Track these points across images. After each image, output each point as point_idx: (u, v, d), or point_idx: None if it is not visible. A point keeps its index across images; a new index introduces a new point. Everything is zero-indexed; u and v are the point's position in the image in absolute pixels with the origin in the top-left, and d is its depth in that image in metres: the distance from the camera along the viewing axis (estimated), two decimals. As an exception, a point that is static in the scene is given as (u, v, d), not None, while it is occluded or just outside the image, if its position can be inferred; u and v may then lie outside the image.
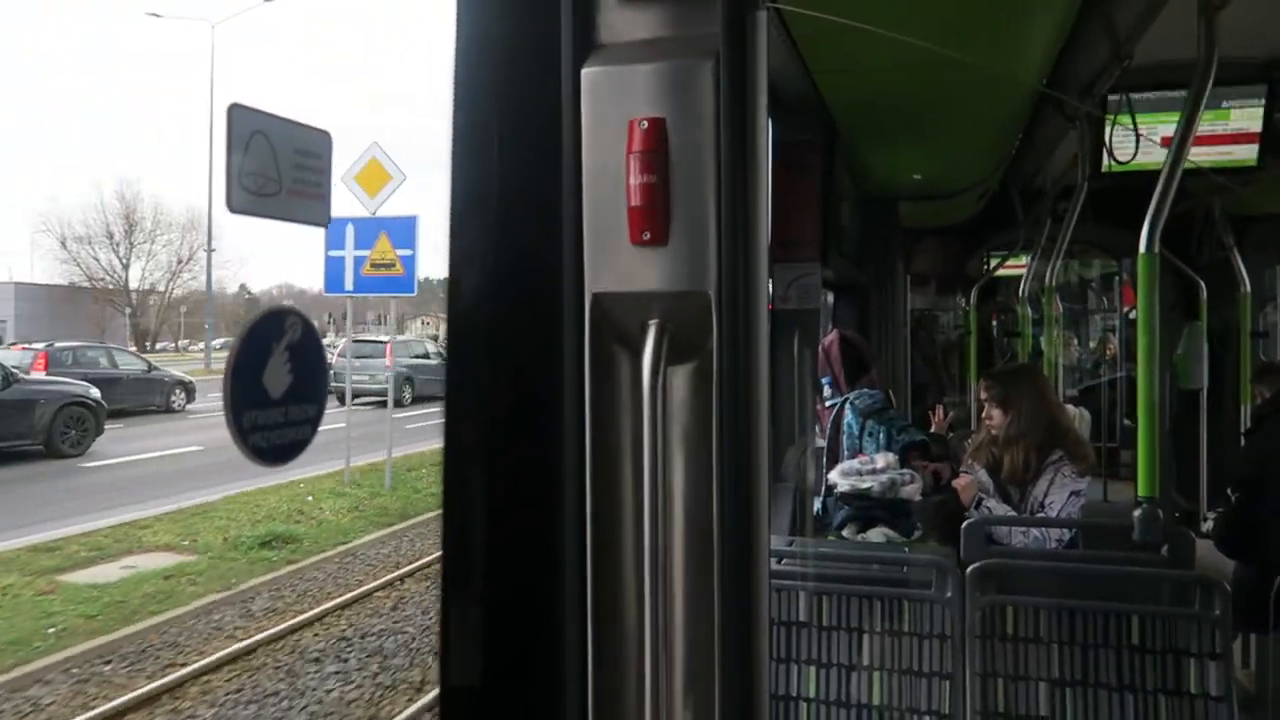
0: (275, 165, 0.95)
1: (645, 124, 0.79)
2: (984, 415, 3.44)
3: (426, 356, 25.25)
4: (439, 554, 0.83)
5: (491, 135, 0.85)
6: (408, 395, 23.13)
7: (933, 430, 4.17)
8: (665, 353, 0.80)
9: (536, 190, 0.84)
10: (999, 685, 2.36)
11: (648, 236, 0.80)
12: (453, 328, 0.87)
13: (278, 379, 0.92)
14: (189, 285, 46.66)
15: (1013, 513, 3.15)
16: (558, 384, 0.84)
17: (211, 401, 21.95)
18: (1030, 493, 3.19)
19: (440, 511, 0.86)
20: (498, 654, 0.86)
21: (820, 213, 3.36)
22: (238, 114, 0.93)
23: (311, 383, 0.95)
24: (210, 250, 40.93)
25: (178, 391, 21.56)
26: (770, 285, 3.38)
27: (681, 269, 0.79)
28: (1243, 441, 4.35)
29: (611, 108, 0.80)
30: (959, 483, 3.26)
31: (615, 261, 0.81)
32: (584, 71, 0.81)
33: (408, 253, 11.71)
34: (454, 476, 0.87)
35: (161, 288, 45.63)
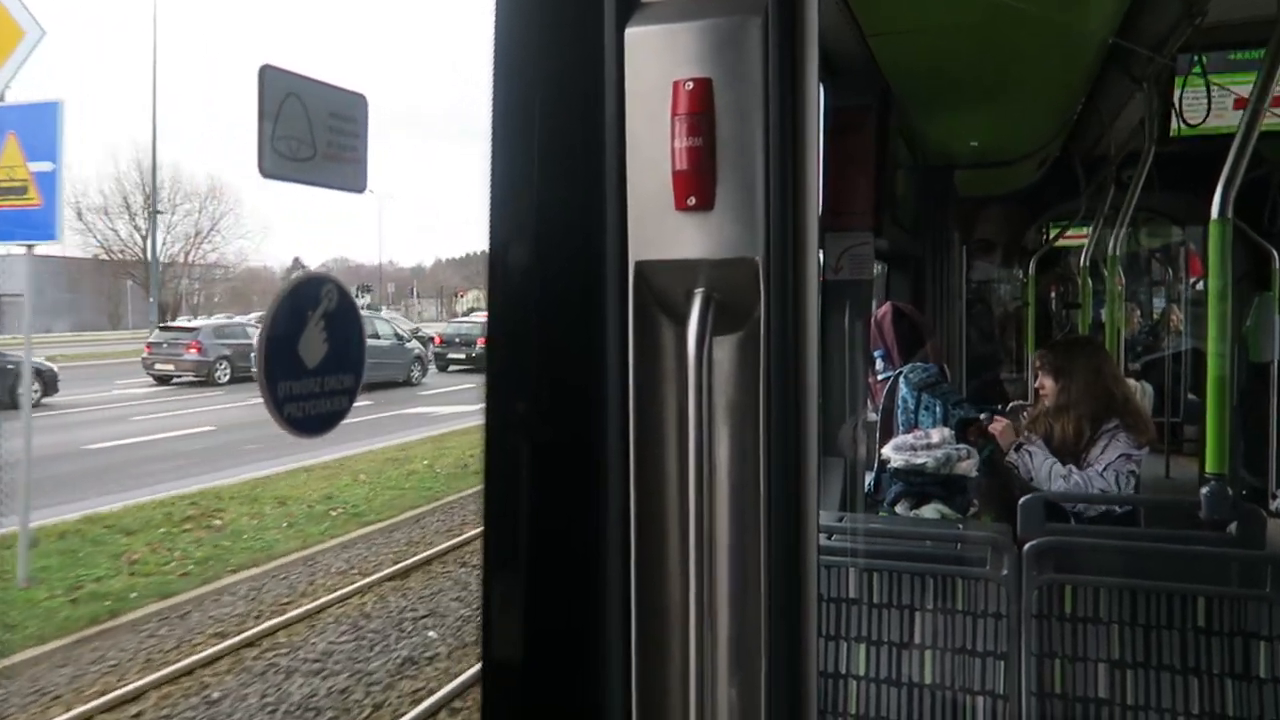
0: (309, 129, 0.94)
1: (690, 85, 0.76)
2: (1037, 384, 3.45)
3: (376, 336, 21.21)
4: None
5: (533, 98, 0.83)
6: (329, 386, 20.39)
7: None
8: (711, 322, 0.78)
9: (578, 155, 0.83)
10: (1056, 666, 2.32)
11: (693, 202, 0.77)
12: (494, 298, 0.85)
13: (313, 348, 0.92)
14: (211, 258, 45.02)
15: (1056, 460, 3.18)
16: (600, 355, 0.82)
17: (97, 393, 18.91)
18: (1084, 460, 3.18)
19: (482, 485, 0.85)
20: (540, 628, 0.86)
21: (874, 180, 3.29)
22: (270, 76, 0.92)
23: (348, 352, 0.95)
24: (157, 212, 39.48)
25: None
26: (821, 255, 3.34)
27: (728, 235, 0.77)
28: None
29: (655, 68, 0.78)
30: (995, 428, 3.32)
31: (659, 228, 0.79)
32: (627, 31, 0.79)
33: (47, 167, 6.89)
34: (496, 449, 0.86)
35: (182, 260, 43.84)
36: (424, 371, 23.70)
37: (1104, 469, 3.11)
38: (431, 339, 26.36)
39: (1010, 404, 4.86)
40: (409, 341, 23.67)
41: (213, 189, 43.48)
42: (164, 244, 42.41)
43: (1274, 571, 2.22)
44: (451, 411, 18.08)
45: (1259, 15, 2.23)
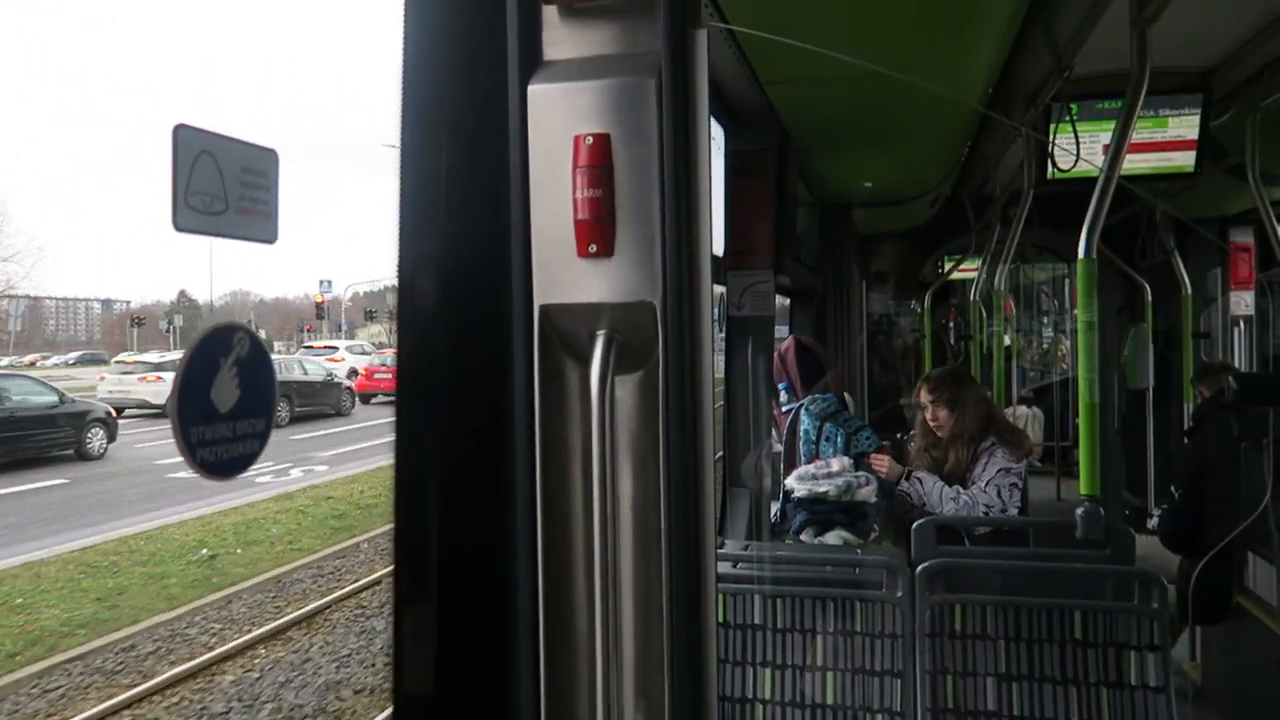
0: (222, 184, 0.96)
1: (590, 139, 0.80)
2: (929, 417, 3.56)
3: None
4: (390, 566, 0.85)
5: (439, 151, 0.86)
6: None
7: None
8: (613, 362, 0.81)
9: (485, 205, 0.85)
10: (948, 682, 2.41)
11: (594, 249, 0.81)
12: (403, 339, 0.88)
13: (225, 394, 0.94)
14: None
15: (944, 484, 3.36)
16: (508, 394, 0.85)
17: None
18: (969, 479, 3.37)
19: (392, 523, 0.87)
20: (451, 662, 0.87)
21: (774, 221, 3.40)
22: (184, 135, 0.94)
23: (258, 397, 0.97)
24: None
25: None
26: (725, 293, 3.41)
27: (627, 281, 0.81)
28: (1185, 440, 4.47)
29: (557, 124, 0.82)
30: (878, 466, 3.45)
31: (563, 274, 0.83)
32: (530, 89, 0.83)
33: None
34: (406, 486, 0.88)
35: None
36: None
37: (986, 484, 3.29)
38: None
39: (908, 433, 5.04)
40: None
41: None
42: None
43: (1141, 586, 2.37)
44: None
45: (1121, 69, 2.40)
